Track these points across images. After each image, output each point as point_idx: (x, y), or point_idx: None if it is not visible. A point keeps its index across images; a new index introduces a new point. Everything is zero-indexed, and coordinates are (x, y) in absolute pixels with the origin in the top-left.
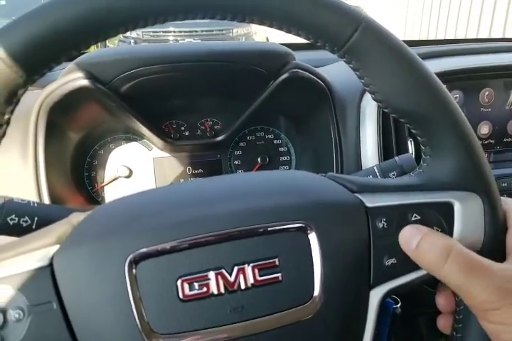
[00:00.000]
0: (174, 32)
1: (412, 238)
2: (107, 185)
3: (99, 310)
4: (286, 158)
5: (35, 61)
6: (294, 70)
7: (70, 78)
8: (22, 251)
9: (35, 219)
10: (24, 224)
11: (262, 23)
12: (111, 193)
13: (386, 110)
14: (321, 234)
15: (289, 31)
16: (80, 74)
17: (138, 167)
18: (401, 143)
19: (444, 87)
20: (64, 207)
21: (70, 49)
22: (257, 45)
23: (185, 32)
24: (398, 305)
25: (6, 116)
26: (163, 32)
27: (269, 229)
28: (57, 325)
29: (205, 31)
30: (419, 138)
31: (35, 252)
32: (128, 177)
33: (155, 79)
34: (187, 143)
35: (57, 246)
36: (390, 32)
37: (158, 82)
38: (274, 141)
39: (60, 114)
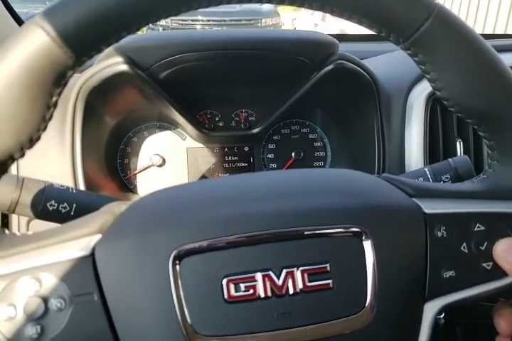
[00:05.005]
0: (202, 21)
1: None
2: (139, 172)
3: (140, 306)
4: (321, 153)
5: (86, 42)
6: (340, 61)
7: (109, 62)
8: (64, 239)
9: (74, 205)
10: (63, 211)
11: (321, 9)
12: (143, 181)
13: (452, 109)
14: (376, 241)
15: (350, 18)
16: (119, 58)
17: (171, 156)
18: (449, 144)
19: None
20: (102, 195)
21: (121, 30)
22: (302, 33)
23: (213, 21)
24: (441, 316)
25: (54, 99)
26: (191, 20)
27: (322, 232)
28: (98, 318)
29: (234, 21)
30: (486, 141)
31: (76, 241)
32: (161, 166)
33: (195, 67)
34: (221, 135)
35: (99, 236)
36: (463, 22)
37: (198, 70)
38: (310, 136)
39: (98, 98)
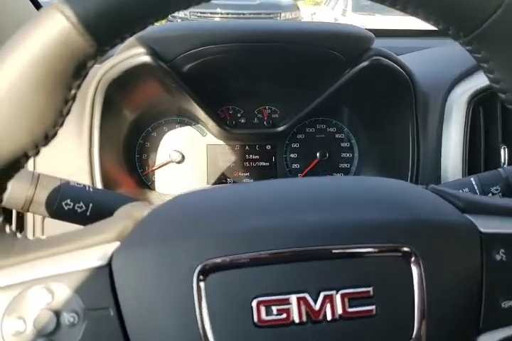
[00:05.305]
0: (221, 14)
1: None
2: (157, 168)
3: (159, 325)
4: (348, 154)
5: (110, 29)
6: (376, 58)
7: (131, 53)
8: (79, 246)
9: (90, 205)
10: (79, 210)
11: None
12: (161, 178)
13: None
14: (426, 263)
15: (403, 9)
16: (142, 49)
17: (190, 152)
18: (491, 150)
19: None
20: (120, 195)
21: (147, 18)
22: (336, 26)
23: (232, 14)
24: None
25: (73, 92)
26: (210, 13)
27: (365, 250)
28: (114, 335)
29: (253, 14)
30: None
31: (92, 248)
32: (179, 162)
33: (220, 60)
34: (242, 132)
35: (117, 244)
36: None
37: (222, 63)
38: (336, 135)
39: (118, 91)
